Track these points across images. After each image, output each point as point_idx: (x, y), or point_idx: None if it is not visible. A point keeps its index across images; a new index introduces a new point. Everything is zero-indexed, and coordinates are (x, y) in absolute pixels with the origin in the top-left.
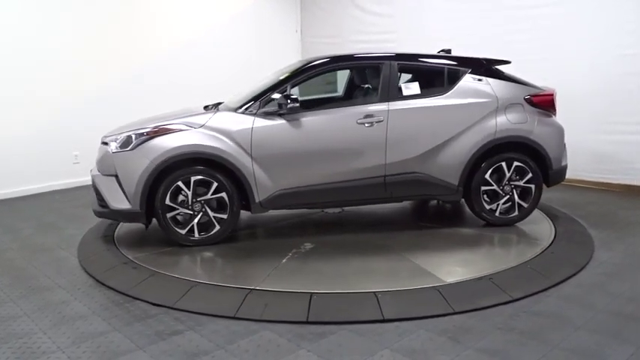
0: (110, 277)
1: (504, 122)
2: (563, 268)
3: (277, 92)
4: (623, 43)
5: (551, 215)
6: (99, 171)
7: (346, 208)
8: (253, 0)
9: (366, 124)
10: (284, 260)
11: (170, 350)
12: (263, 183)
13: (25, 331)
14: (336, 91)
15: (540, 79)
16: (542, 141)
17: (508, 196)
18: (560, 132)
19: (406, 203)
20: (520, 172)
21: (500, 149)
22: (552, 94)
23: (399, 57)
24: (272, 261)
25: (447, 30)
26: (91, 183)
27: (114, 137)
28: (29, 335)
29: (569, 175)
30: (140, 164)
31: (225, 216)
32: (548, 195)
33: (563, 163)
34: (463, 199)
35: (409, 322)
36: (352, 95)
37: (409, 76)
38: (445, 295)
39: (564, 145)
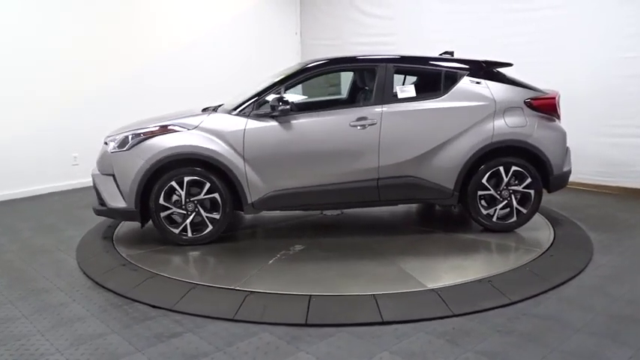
0: (109, 279)
1: (502, 126)
2: (562, 270)
3: (271, 94)
4: (623, 46)
5: (551, 218)
6: (99, 170)
7: (345, 211)
8: (253, 2)
9: (359, 127)
10: (270, 261)
11: (169, 352)
12: (255, 184)
13: (23, 333)
14: (339, 93)
15: (540, 81)
16: (541, 145)
17: (506, 202)
18: (562, 137)
19: (410, 207)
20: (519, 177)
21: (498, 153)
22: (554, 98)
23: (395, 59)
24: (258, 262)
25: (447, 32)
26: (91, 183)
27: (113, 137)
28: (27, 337)
29: None
30: (135, 164)
31: (217, 216)
32: (548, 198)
33: (565, 169)
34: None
35: (408, 324)
36: (354, 97)
37: (408, 78)
38: (444, 298)
39: (567, 149)
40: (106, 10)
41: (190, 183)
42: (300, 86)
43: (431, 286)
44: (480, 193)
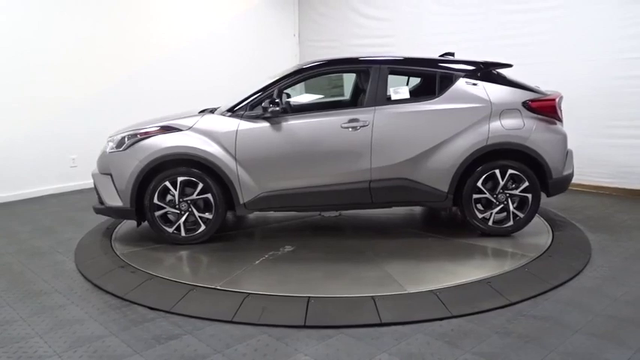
0: (107, 281)
1: (498, 128)
2: (561, 271)
3: (264, 96)
4: (622, 47)
5: (549, 219)
6: (98, 170)
7: (344, 212)
8: (251, 4)
9: (350, 129)
10: (257, 262)
11: (167, 355)
12: (247, 185)
13: (21, 336)
14: (342, 94)
15: (539, 82)
16: (539, 148)
17: (502, 205)
18: (561, 139)
19: (413, 210)
20: (517, 181)
21: (494, 156)
22: (554, 100)
23: (389, 61)
24: (245, 262)
25: (445, 34)
26: (90, 183)
27: (112, 137)
28: (25, 339)
29: None
30: (131, 164)
31: (210, 216)
32: (547, 199)
33: (565, 173)
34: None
35: (407, 326)
36: (356, 99)
37: (404, 79)
38: (443, 299)
39: (567, 153)
40: (104, 13)
41: (184, 183)
42: (302, 87)
43: (410, 290)
44: (475, 196)
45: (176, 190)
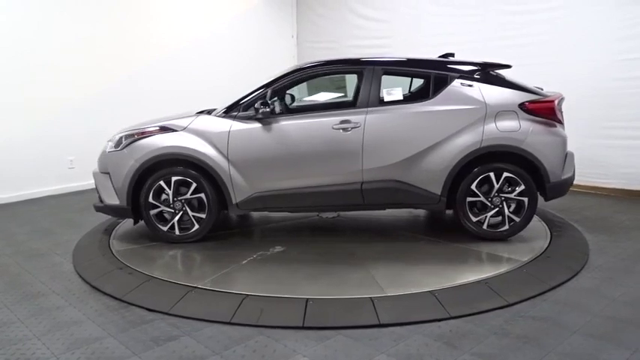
0: (105, 282)
1: (492, 130)
2: (559, 272)
3: (257, 97)
4: (621, 48)
5: (547, 220)
6: (98, 168)
7: (342, 214)
8: (249, 5)
9: (341, 130)
10: (244, 262)
11: (165, 356)
12: (239, 185)
13: (19, 337)
14: (346, 95)
15: (538, 83)
16: (535, 151)
17: (497, 209)
18: (560, 142)
19: (415, 212)
20: (513, 184)
21: (489, 158)
22: (552, 102)
23: (383, 62)
24: (232, 262)
25: (444, 35)
26: (86, 184)
27: (112, 137)
28: (23, 341)
29: None
30: (127, 163)
31: (204, 215)
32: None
33: (564, 176)
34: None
35: (405, 326)
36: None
37: (402, 80)
38: (441, 300)
39: (567, 156)
40: (103, 13)
41: (179, 183)
42: (312, 88)
43: (389, 292)
44: (469, 199)
45: (170, 189)
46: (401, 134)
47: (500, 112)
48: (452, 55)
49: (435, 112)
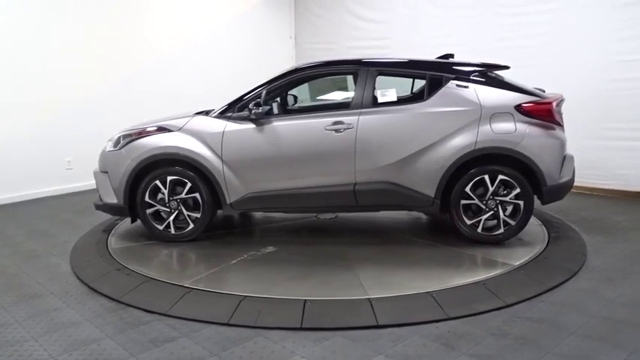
0: (103, 283)
1: (487, 132)
2: (556, 273)
3: (251, 98)
4: (619, 49)
5: (545, 221)
6: (99, 167)
7: (340, 215)
8: (247, 7)
9: (334, 131)
10: (234, 261)
11: (163, 357)
12: (233, 185)
13: (16, 339)
14: (347, 96)
15: (536, 84)
16: (532, 154)
17: (493, 212)
18: (557, 145)
19: (416, 215)
20: (509, 187)
21: (484, 161)
22: (550, 103)
23: (378, 63)
24: (222, 261)
25: (442, 36)
26: (83, 186)
27: (112, 137)
28: (20, 343)
29: None
30: (124, 163)
31: (198, 215)
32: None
33: (562, 180)
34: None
35: (403, 327)
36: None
37: (398, 81)
38: (439, 301)
39: (566, 158)
40: (99, 16)
41: (174, 182)
42: (306, 89)
43: (373, 295)
44: (464, 202)
45: (166, 189)
46: (394, 136)
47: (495, 113)
48: (451, 56)
49: (428, 114)
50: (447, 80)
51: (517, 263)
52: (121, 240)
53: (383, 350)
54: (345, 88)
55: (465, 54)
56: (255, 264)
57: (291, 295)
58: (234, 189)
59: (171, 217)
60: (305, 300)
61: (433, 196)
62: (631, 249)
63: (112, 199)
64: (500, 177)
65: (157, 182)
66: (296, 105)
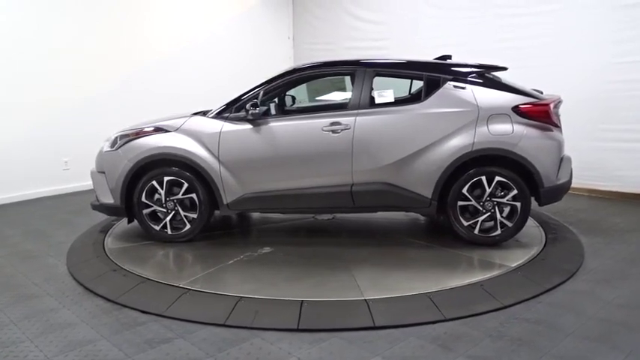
0: (99, 284)
1: (484, 133)
2: (553, 274)
3: (248, 98)
4: (617, 51)
5: (542, 222)
6: (96, 167)
7: (338, 216)
8: (246, 7)
9: (331, 132)
10: (230, 262)
11: (159, 359)
12: (230, 186)
13: (11, 340)
14: (346, 97)
15: (535, 85)
16: (529, 155)
17: (489, 213)
18: (555, 146)
19: (415, 216)
20: (506, 189)
21: (481, 162)
22: (547, 105)
23: (375, 64)
24: (219, 261)
25: (440, 37)
26: (80, 187)
27: (109, 137)
28: (16, 344)
29: None
30: (120, 163)
31: (195, 215)
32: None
33: (559, 181)
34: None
35: (400, 329)
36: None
37: (396, 82)
38: (436, 302)
39: (563, 160)
40: (97, 17)
41: (171, 183)
42: (304, 90)
43: (369, 296)
44: (460, 203)
45: (163, 189)
46: (391, 136)
47: (492, 114)
48: (449, 57)
49: (426, 115)
50: (445, 81)
51: (514, 264)
52: (118, 240)
53: (380, 352)
54: (342, 89)
55: (464, 55)
56: (252, 265)
57: (287, 296)
58: (230, 189)
59: (168, 218)
60: (302, 301)
61: (430, 197)
62: (628, 250)
63: (108, 199)
64: (498, 178)
65: (154, 183)
66: (293, 105)
